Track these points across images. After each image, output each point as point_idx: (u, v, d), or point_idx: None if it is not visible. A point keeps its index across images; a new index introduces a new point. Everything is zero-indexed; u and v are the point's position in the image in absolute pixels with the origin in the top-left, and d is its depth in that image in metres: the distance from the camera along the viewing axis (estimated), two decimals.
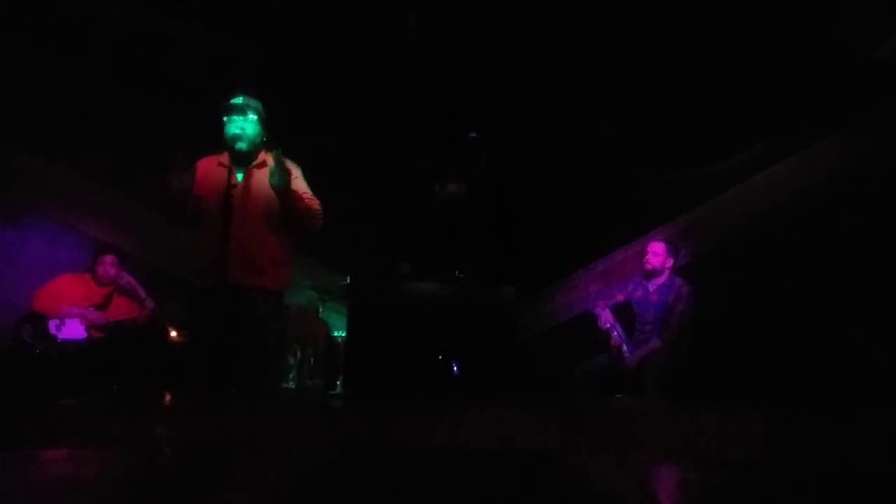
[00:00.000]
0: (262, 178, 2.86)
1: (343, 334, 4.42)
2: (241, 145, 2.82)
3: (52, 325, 3.82)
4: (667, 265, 3.91)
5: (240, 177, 2.86)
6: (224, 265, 2.71)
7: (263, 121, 2.89)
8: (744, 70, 3.97)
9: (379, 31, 4.16)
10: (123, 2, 4.08)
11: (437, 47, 4.26)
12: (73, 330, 3.87)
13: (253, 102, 2.87)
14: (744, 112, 4.15)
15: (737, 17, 3.73)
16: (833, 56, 3.66)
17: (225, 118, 2.85)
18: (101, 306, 4.01)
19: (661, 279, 3.89)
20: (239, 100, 2.85)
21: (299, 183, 2.92)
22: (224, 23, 4.25)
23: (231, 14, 4.14)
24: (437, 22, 4.09)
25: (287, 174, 2.76)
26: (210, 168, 2.88)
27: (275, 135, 2.93)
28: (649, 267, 3.91)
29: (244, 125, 2.83)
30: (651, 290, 3.90)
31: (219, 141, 2.89)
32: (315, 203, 2.92)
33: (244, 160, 2.87)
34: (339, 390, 4.01)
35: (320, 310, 4.89)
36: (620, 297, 4.08)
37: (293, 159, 2.98)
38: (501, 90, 4.58)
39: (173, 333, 4.33)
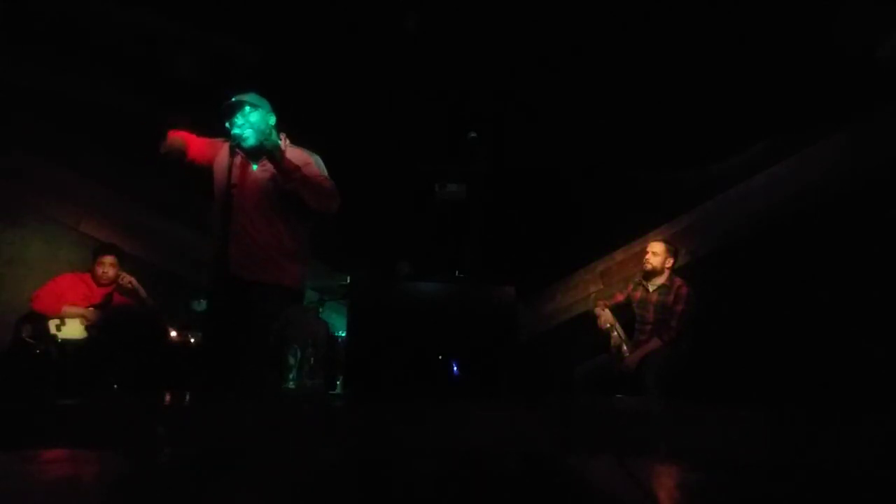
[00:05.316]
0: (272, 170, 2.81)
1: (343, 334, 4.42)
2: (246, 143, 2.77)
3: (52, 325, 3.82)
4: (667, 265, 3.91)
5: (255, 167, 2.84)
6: (228, 260, 2.70)
7: (266, 107, 2.83)
8: (744, 70, 3.97)
9: (379, 31, 4.16)
10: (123, 1, 4.08)
11: (436, 47, 4.25)
12: (73, 330, 3.87)
13: (246, 97, 2.82)
14: (744, 112, 4.15)
15: (737, 17, 3.73)
16: (834, 56, 3.66)
17: (227, 124, 2.81)
18: (101, 306, 4.01)
19: (661, 279, 3.89)
20: (232, 100, 2.82)
21: (312, 169, 2.86)
22: (223, 22, 4.24)
23: (230, 13, 4.13)
24: (437, 21, 4.09)
25: (276, 141, 2.72)
26: (224, 155, 2.83)
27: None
28: (649, 267, 3.91)
29: (244, 123, 2.80)
30: (651, 290, 3.90)
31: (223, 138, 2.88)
32: (327, 183, 2.85)
33: (257, 153, 2.81)
34: (339, 390, 4.01)
35: (320, 310, 4.89)
36: (620, 297, 4.09)
37: (315, 150, 2.95)
38: (501, 90, 4.57)
39: (173, 333, 4.33)
